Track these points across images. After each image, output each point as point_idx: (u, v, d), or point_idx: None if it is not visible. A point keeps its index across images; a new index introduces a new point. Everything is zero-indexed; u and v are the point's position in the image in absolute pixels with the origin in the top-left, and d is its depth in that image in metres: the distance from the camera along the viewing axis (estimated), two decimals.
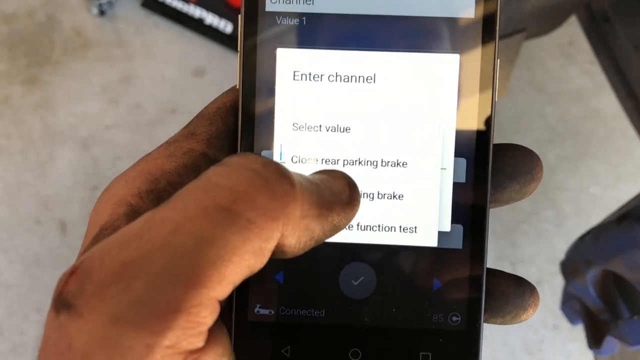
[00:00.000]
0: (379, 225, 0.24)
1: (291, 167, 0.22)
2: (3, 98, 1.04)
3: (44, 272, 0.96)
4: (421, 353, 0.23)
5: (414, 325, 0.23)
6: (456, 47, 0.23)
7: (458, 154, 0.24)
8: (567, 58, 1.06)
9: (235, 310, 0.23)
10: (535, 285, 0.24)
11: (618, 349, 0.67)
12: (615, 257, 0.62)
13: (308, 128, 0.24)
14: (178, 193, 0.18)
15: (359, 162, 0.24)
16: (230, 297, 0.23)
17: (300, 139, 0.24)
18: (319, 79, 0.24)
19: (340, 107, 0.24)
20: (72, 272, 0.17)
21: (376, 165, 0.24)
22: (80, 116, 1.03)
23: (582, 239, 0.69)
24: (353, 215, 0.20)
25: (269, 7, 0.24)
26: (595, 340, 0.69)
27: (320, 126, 0.24)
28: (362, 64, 0.24)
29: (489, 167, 0.23)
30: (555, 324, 0.92)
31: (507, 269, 0.98)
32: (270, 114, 0.24)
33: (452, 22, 0.23)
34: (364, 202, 0.24)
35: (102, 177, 0.99)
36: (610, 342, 0.66)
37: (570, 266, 0.71)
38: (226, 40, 1.06)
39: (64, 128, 1.02)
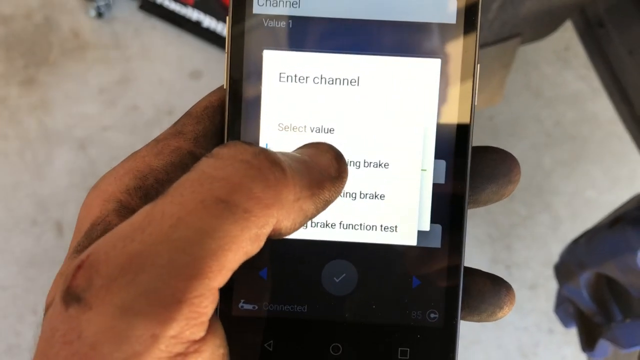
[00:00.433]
0: (360, 224, 0.25)
1: None
2: (0, 99, 1.04)
3: (39, 273, 0.96)
4: (399, 348, 0.24)
5: (393, 321, 0.24)
6: (437, 52, 0.24)
7: (438, 155, 0.24)
8: (562, 63, 1.06)
9: (219, 306, 0.23)
10: (511, 284, 0.24)
11: (611, 352, 0.67)
12: (608, 260, 0.62)
13: (293, 128, 0.25)
14: (174, 186, 0.18)
15: (347, 165, 0.24)
16: None
17: (285, 138, 0.25)
18: (305, 80, 0.24)
19: (324, 108, 0.24)
20: (79, 266, 0.17)
21: (359, 165, 0.25)
22: (77, 117, 1.03)
23: (575, 242, 0.69)
24: (342, 188, 0.20)
25: (256, 9, 0.24)
26: (588, 343, 0.69)
27: (305, 127, 0.25)
28: (346, 67, 0.24)
29: (467, 169, 0.24)
30: (550, 328, 0.93)
31: (502, 272, 0.98)
32: (256, 114, 0.24)
33: (434, 27, 0.24)
34: (346, 201, 0.25)
35: (99, 178, 0.99)
36: (604, 345, 0.66)
37: (564, 269, 0.71)
38: (223, 43, 1.07)
39: (61, 129, 1.02)
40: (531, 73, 1.05)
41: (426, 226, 0.24)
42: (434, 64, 0.24)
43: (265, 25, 0.24)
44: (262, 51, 0.24)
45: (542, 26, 0.70)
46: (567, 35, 1.02)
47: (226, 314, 0.24)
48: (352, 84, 0.24)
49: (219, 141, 0.24)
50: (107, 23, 1.08)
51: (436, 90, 0.24)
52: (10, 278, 0.96)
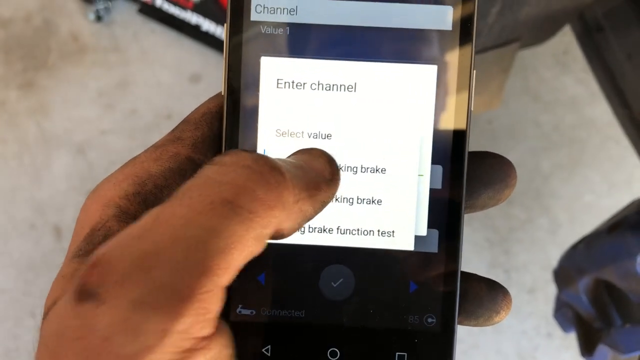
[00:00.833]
0: (358, 229, 0.25)
1: None
2: None
3: (38, 276, 0.96)
4: (397, 353, 0.24)
5: (391, 325, 0.24)
6: (434, 58, 0.24)
7: (435, 161, 0.25)
8: (561, 67, 1.06)
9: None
10: (510, 288, 0.25)
11: (610, 357, 0.67)
12: (607, 265, 0.62)
13: (291, 134, 0.25)
14: (181, 190, 0.19)
15: (340, 168, 0.25)
16: None
17: (283, 144, 0.25)
18: (302, 87, 0.25)
19: (322, 114, 0.25)
20: (93, 264, 0.18)
21: (356, 171, 0.25)
22: (76, 121, 1.03)
23: (574, 247, 0.69)
24: (337, 189, 0.21)
25: (254, 16, 0.24)
26: (587, 348, 0.69)
27: (302, 132, 0.25)
28: (343, 73, 0.25)
29: (464, 174, 0.24)
30: (548, 332, 0.93)
31: (501, 276, 0.98)
32: (254, 120, 0.25)
33: (430, 34, 0.24)
34: (344, 206, 0.25)
35: (97, 182, 0.99)
36: (603, 350, 0.66)
37: (563, 274, 0.71)
38: (222, 47, 1.07)
39: (60, 133, 1.02)
40: (530, 77, 1.05)
41: (423, 231, 0.25)
42: (431, 70, 0.24)
43: (263, 32, 0.24)
44: (259, 58, 0.24)
45: (541, 31, 0.70)
46: (565, 39, 1.03)
47: (224, 319, 0.24)
48: (349, 89, 0.25)
49: (217, 147, 0.25)
50: (106, 26, 1.08)
51: (433, 97, 0.24)
52: (8, 282, 0.96)
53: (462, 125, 0.24)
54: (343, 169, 0.25)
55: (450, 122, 0.24)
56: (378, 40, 0.24)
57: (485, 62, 0.69)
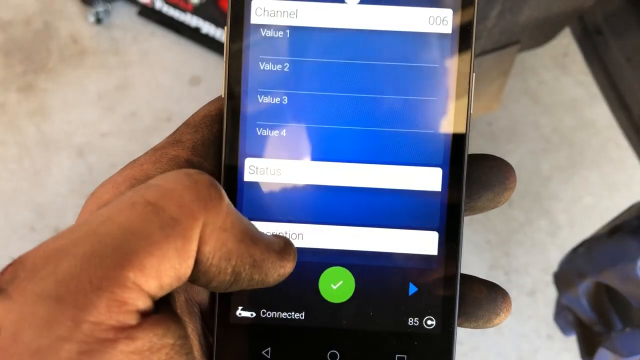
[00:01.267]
0: (357, 232, 0.25)
1: (275, 174, 0.23)
2: None
3: None
4: (397, 355, 0.24)
5: (391, 328, 0.24)
6: (433, 61, 0.24)
7: (435, 163, 0.25)
8: (561, 69, 1.06)
9: (217, 313, 0.24)
10: (510, 291, 0.24)
11: None
12: (608, 269, 0.62)
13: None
14: (121, 195, 0.19)
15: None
16: (213, 299, 0.24)
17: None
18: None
19: (322, 114, 0.25)
20: (9, 264, 0.18)
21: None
22: (75, 124, 1.03)
23: (574, 251, 0.69)
24: (279, 267, 0.21)
25: (254, 19, 0.24)
26: (588, 351, 0.69)
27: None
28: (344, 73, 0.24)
29: (463, 177, 0.24)
30: (549, 334, 0.92)
31: (501, 278, 0.98)
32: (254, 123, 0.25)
33: (430, 37, 0.24)
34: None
35: (97, 185, 0.99)
36: (603, 354, 0.66)
37: (563, 278, 0.71)
38: (222, 49, 1.07)
39: (60, 135, 1.02)
40: (530, 79, 1.05)
41: (423, 233, 0.25)
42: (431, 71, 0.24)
43: (263, 35, 0.24)
44: (260, 61, 0.24)
45: (540, 34, 0.70)
46: (565, 41, 1.03)
47: (224, 321, 0.24)
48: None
49: (217, 150, 0.25)
50: (106, 29, 1.08)
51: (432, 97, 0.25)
52: None
53: (461, 128, 0.24)
54: (346, 169, 0.25)
55: (450, 124, 0.25)
56: (377, 44, 0.24)
57: (484, 64, 0.70)
